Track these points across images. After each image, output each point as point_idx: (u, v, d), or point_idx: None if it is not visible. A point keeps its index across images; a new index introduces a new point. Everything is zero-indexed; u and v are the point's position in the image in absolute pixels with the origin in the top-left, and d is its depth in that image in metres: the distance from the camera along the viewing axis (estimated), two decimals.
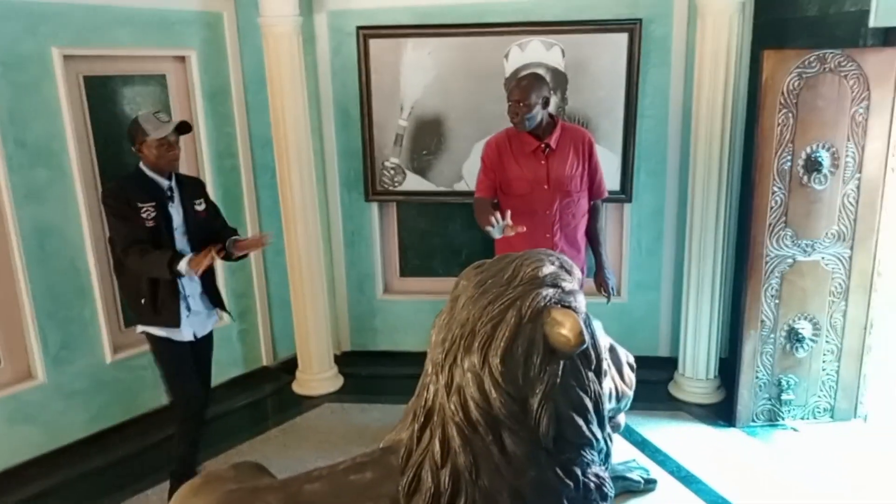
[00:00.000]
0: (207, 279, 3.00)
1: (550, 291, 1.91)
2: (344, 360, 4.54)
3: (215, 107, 3.95)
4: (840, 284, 3.61)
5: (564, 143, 3.24)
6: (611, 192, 4.12)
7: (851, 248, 3.56)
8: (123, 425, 3.79)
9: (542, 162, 3.21)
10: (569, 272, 2.02)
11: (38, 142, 3.31)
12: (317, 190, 4.09)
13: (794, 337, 3.66)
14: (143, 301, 2.85)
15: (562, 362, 1.85)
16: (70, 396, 3.56)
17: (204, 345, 3.07)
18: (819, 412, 3.76)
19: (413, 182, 4.38)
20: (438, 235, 4.54)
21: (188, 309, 2.93)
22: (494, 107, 4.01)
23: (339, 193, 4.44)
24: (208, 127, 3.94)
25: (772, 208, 3.49)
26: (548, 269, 1.97)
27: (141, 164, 2.85)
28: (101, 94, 3.58)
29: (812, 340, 3.67)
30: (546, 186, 3.22)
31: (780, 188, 3.47)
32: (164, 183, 2.86)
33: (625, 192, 4.22)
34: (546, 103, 3.17)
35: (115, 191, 2.82)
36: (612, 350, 2.16)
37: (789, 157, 3.43)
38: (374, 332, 4.67)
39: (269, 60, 3.80)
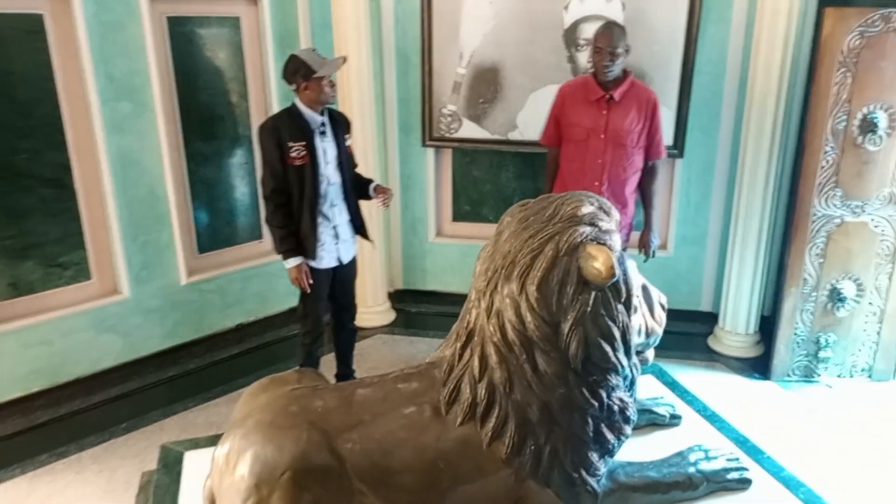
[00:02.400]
0: (353, 208, 3.24)
1: (587, 229, 2.07)
2: (396, 297, 4.80)
3: (284, 49, 4.14)
4: (888, 247, 3.62)
5: (629, 98, 3.30)
6: None
7: None
8: (194, 343, 4.14)
9: (603, 112, 3.30)
10: (607, 213, 2.17)
11: (124, 77, 3.58)
12: (376, 134, 4.28)
13: (835, 296, 3.71)
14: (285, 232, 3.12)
15: (593, 293, 2.02)
16: (148, 312, 3.92)
17: (349, 269, 3.34)
18: (856, 371, 3.83)
19: (468, 129, 4.52)
20: (490, 182, 4.69)
21: (336, 237, 3.18)
22: (551, 58, 4.10)
23: (398, 138, 4.62)
24: (277, 69, 4.15)
25: (822, 168, 3.51)
26: (587, 209, 2.12)
27: (297, 101, 3.04)
28: (180, 33, 3.82)
29: (854, 301, 3.71)
30: (602, 136, 3.31)
31: (832, 148, 3.48)
32: (318, 119, 3.06)
33: (677, 147, 4.26)
34: (628, 51, 3.26)
35: (267, 130, 3.03)
36: (644, 289, 2.30)
37: (844, 117, 3.43)
38: (425, 273, 4.90)
39: (335, 5, 3.97)
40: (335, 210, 3.15)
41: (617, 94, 3.27)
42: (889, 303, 3.72)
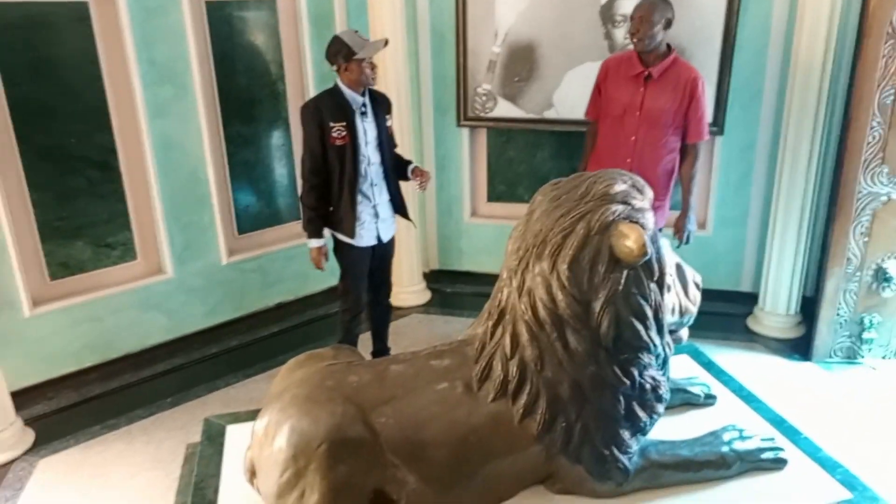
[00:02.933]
0: (393, 188, 3.30)
1: (620, 207, 2.06)
2: (431, 278, 4.84)
3: (320, 31, 4.18)
4: None
5: (669, 76, 3.23)
6: None
7: None
8: (235, 321, 4.26)
9: (641, 89, 3.26)
10: (640, 191, 2.16)
11: (166, 62, 3.67)
12: (411, 113, 4.30)
13: (881, 276, 3.61)
14: (331, 209, 3.21)
15: (625, 271, 2.02)
16: (190, 291, 4.04)
17: (388, 248, 3.40)
18: None
19: (504, 108, 4.50)
20: (525, 162, 4.67)
21: (376, 216, 3.24)
22: (586, 36, 4.05)
23: (433, 118, 4.63)
24: (313, 50, 4.20)
25: (869, 144, 3.40)
26: (619, 187, 2.11)
27: (338, 81, 3.10)
28: (219, 17, 3.89)
29: None
30: (638, 113, 3.27)
31: (879, 123, 3.37)
32: (359, 100, 3.12)
33: (717, 124, 4.17)
34: (668, 24, 3.18)
35: (310, 110, 3.10)
36: (678, 268, 2.29)
37: (892, 91, 3.32)
38: (460, 253, 4.93)
39: None
40: (375, 190, 3.20)
41: (656, 72, 3.22)
42: None
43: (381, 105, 3.21)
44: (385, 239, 3.33)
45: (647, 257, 2.00)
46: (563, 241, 2.04)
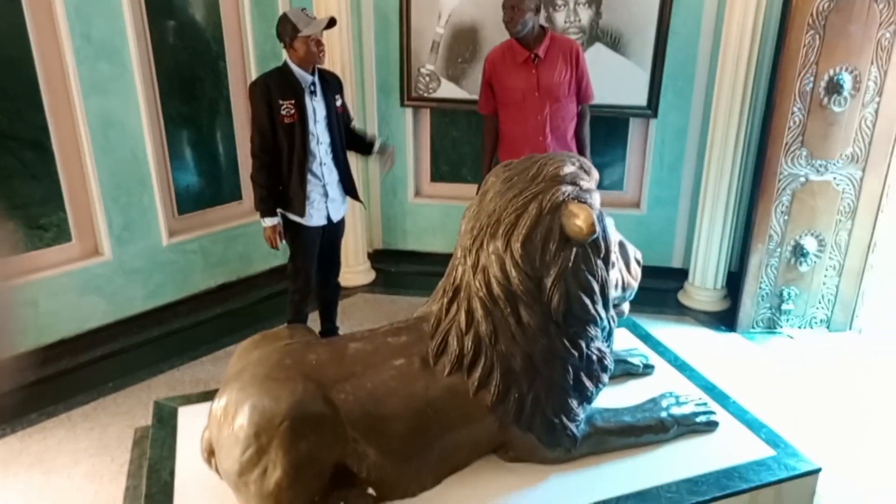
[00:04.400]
0: (343, 169, 3.30)
1: (569, 188, 2.17)
2: (376, 257, 4.88)
3: (262, 9, 4.11)
4: (849, 205, 3.79)
5: (553, 52, 3.45)
6: (637, 108, 4.30)
7: (863, 170, 3.72)
8: (177, 303, 4.19)
9: (533, 71, 3.44)
10: (587, 172, 2.27)
11: (102, 38, 3.54)
12: (356, 94, 4.30)
13: (799, 252, 3.88)
14: (280, 188, 3.20)
15: (574, 249, 2.13)
16: (131, 273, 3.94)
17: (338, 228, 3.41)
18: (816, 322, 4.04)
19: (447, 89, 4.55)
20: (468, 143, 4.75)
21: (326, 195, 3.24)
22: None
23: (377, 98, 4.64)
24: (255, 28, 4.12)
25: (790, 128, 3.64)
26: (568, 168, 2.21)
27: (287, 59, 3.09)
28: None
29: (816, 256, 3.89)
30: (537, 94, 3.46)
31: (799, 108, 3.60)
32: (308, 78, 3.10)
33: (651, 108, 4.36)
34: (538, 9, 3.41)
35: (258, 87, 3.07)
36: (621, 245, 2.42)
37: (812, 79, 3.55)
38: (405, 233, 4.98)
39: None
40: (325, 169, 3.21)
41: (541, 51, 3.43)
42: (848, 258, 3.91)
43: (331, 85, 3.21)
44: (335, 219, 3.35)
45: (596, 236, 2.12)
46: (516, 220, 2.13)
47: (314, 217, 3.24)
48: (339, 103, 3.24)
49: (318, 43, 3.05)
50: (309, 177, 3.16)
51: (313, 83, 3.11)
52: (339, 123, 3.25)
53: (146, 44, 3.76)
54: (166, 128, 3.96)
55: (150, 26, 3.76)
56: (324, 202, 3.25)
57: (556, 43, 3.47)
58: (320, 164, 3.18)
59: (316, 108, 3.13)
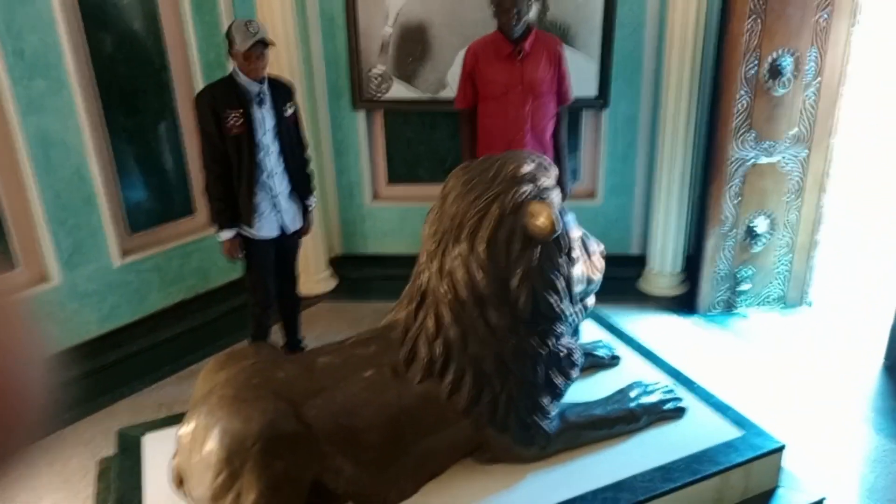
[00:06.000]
0: (296, 178, 3.24)
1: (529, 187, 2.18)
2: (337, 264, 4.82)
3: (202, 17, 4.00)
4: (796, 184, 3.91)
5: (538, 48, 3.43)
6: (587, 99, 4.34)
7: (809, 150, 3.83)
8: (134, 324, 4.05)
9: (517, 65, 3.42)
10: (546, 170, 2.28)
11: (36, 52, 3.39)
12: (306, 99, 4.23)
13: (751, 233, 3.98)
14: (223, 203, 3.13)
15: (538, 248, 2.14)
16: (83, 297, 3.80)
17: (291, 240, 3.34)
18: (770, 301, 4.15)
19: (399, 90, 4.52)
20: (423, 143, 4.72)
21: (276, 207, 3.17)
22: (476, 15, 4.12)
23: (328, 102, 4.58)
24: (198, 38, 4.01)
25: (737, 112, 3.73)
26: (527, 167, 2.22)
27: (234, 68, 3.01)
28: (92, 4, 3.62)
29: (768, 235, 4.00)
30: (519, 88, 3.43)
31: (745, 92, 3.69)
32: (255, 87, 3.02)
33: (602, 97, 4.40)
34: (530, 8, 3.39)
35: (203, 99, 3.01)
36: (583, 240, 2.44)
37: (755, 63, 3.64)
38: (365, 238, 4.93)
39: None
40: (275, 180, 3.15)
41: (527, 46, 3.40)
42: (798, 236, 4.03)
43: (280, 93, 3.14)
44: (290, 230, 3.29)
45: (558, 233, 2.13)
46: (478, 222, 2.13)
47: (265, 228, 3.18)
48: (290, 112, 3.17)
49: (258, 57, 2.97)
50: (257, 189, 3.10)
51: (261, 92, 3.04)
52: (289, 133, 3.18)
53: (84, 57, 3.62)
54: (112, 143, 3.82)
55: (88, 39, 3.62)
56: (274, 213, 3.19)
57: (540, 39, 3.44)
58: (270, 175, 3.12)
59: (265, 118, 3.06)
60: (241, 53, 2.93)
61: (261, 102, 3.04)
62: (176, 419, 2.35)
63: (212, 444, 1.95)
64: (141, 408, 3.47)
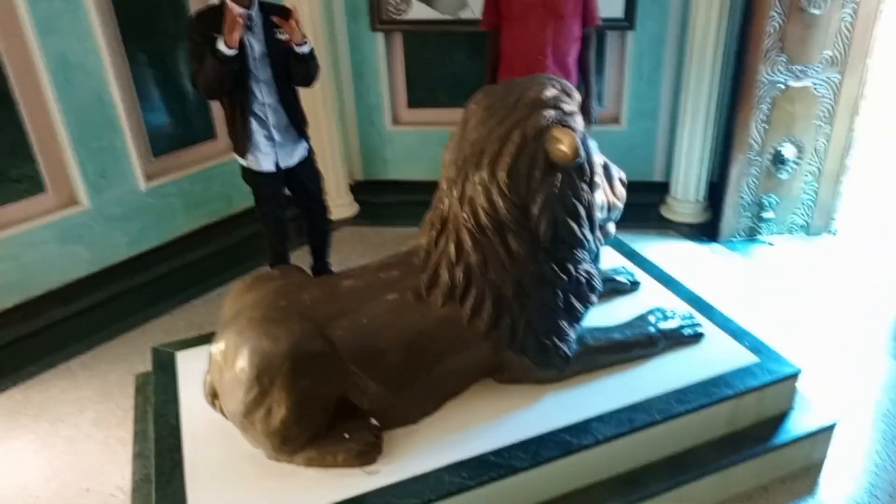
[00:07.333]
0: (292, 111, 3.13)
1: (552, 112, 2.15)
2: (358, 189, 4.83)
3: None
4: (827, 109, 3.80)
5: None
6: (613, 19, 4.19)
7: (842, 73, 3.70)
8: (161, 247, 4.14)
9: None
10: (569, 95, 2.24)
11: None
12: (323, 21, 4.14)
13: (778, 160, 3.91)
14: (228, 131, 3.12)
15: (559, 175, 2.13)
16: (111, 221, 3.88)
17: (304, 173, 3.27)
18: (795, 229, 4.12)
19: (418, 10, 4.39)
20: (444, 66, 4.63)
21: (271, 140, 3.09)
22: None
23: (346, 23, 4.48)
24: None
25: (769, 34, 3.59)
26: (550, 92, 2.18)
27: None
28: None
29: (795, 163, 3.92)
30: (540, 9, 3.33)
31: (778, 13, 3.54)
32: (243, 11, 2.85)
33: (627, 18, 4.25)
34: None
35: (193, 24, 2.94)
36: (605, 167, 2.42)
37: None
38: (385, 162, 4.92)
39: None
40: (268, 110, 3.05)
41: None
42: (826, 163, 3.95)
43: (271, 18, 3.00)
44: (285, 164, 3.18)
45: (580, 160, 2.12)
46: (500, 149, 2.12)
47: (261, 161, 3.12)
48: (284, 37, 2.98)
49: None
50: (251, 119, 3.03)
51: (250, 17, 2.92)
52: (282, 60, 3.02)
53: None
54: (132, 67, 3.81)
55: None
56: (270, 146, 3.11)
57: None
58: (262, 104, 3.03)
59: (254, 45, 2.95)
60: None
61: (250, 28, 2.96)
62: (207, 338, 2.44)
63: (242, 363, 2.04)
64: (172, 328, 3.60)
